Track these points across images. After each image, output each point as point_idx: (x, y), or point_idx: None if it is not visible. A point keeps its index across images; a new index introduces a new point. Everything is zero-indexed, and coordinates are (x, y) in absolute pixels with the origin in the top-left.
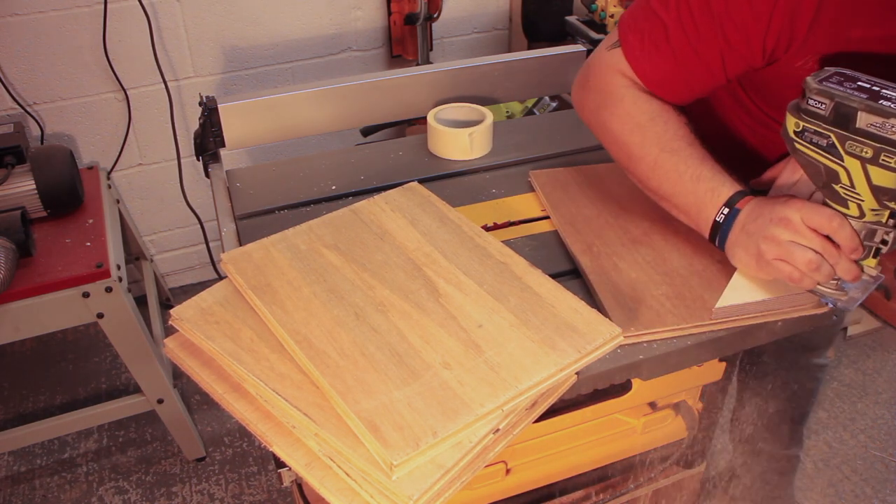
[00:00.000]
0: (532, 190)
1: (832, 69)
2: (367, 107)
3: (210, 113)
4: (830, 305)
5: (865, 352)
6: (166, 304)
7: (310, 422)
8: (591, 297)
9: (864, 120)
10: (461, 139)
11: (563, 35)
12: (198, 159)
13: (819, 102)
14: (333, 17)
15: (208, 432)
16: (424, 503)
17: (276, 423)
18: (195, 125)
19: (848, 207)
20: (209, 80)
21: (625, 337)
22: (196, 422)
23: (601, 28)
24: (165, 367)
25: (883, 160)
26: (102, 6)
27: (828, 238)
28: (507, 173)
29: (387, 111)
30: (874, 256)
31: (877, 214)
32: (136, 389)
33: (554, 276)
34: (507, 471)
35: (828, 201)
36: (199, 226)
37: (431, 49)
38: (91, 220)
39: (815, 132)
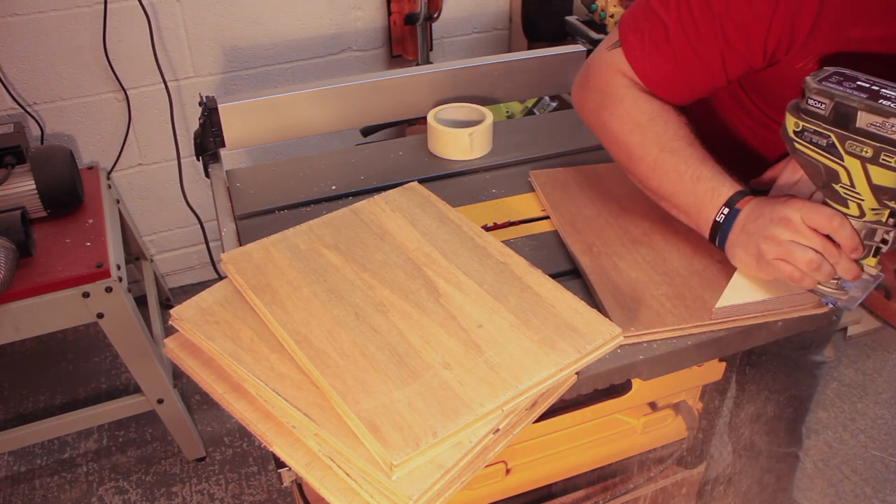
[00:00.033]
0: (532, 190)
1: (831, 69)
2: (367, 107)
3: (210, 113)
4: (830, 305)
5: (865, 352)
6: (166, 304)
7: (310, 422)
8: (591, 297)
9: (864, 119)
10: (461, 139)
11: (563, 35)
12: (198, 159)
13: (819, 102)
14: (333, 17)
15: (208, 432)
16: (424, 503)
17: (276, 423)
18: (195, 125)
19: (848, 207)
20: (209, 80)
21: (625, 337)
22: (196, 422)
23: (601, 28)
24: (165, 367)
25: (883, 159)
26: (102, 6)
27: (828, 237)
28: (507, 173)
29: (387, 111)
30: (874, 255)
31: (877, 214)
32: (136, 389)
33: (554, 276)
34: (507, 471)
35: (828, 201)
36: (199, 226)
37: (431, 49)
38: (91, 220)
39: (815, 132)
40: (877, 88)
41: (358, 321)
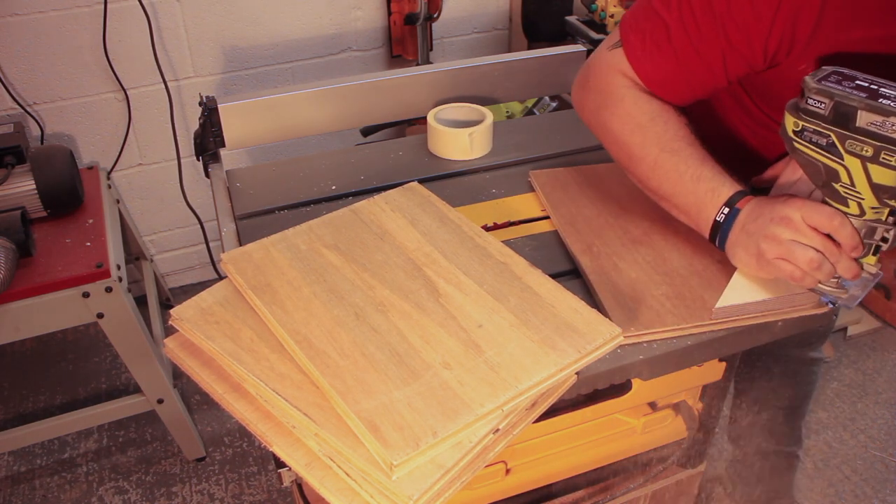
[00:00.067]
0: (532, 190)
1: (830, 68)
2: (367, 107)
3: (210, 113)
4: (830, 305)
5: (865, 352)
6: (166, 304)
7: (310, 422)
8: (591, 297)
9: (864, 119)
10: (461, 139)
11: (563, 35)
12: (198, 159)
13: (818, 102)
14: (333, 17)
15: (208, 432)
16: (424, 503)
17: (276, 423)
18: (195, 125)
19: (848, 206)
20: (209, 80)
21: (625, 337)
22: (196, 422)
23: (601, 28)
24: (165, 367)
25: (883, 158)
26: (102, 6)
27: (828, 236)
28: (507, 173)
29: (387, 111)
30: (874, 254)
31: (877, 212)
32: (136, 389)
33: (554, 276)
34: (507, 471)
35: (827, 200)
36: (199, 226)
37: (431, 49)
38: (91, 220)
39: (815, 131)
40: (876, 87)
41: (358, 321)
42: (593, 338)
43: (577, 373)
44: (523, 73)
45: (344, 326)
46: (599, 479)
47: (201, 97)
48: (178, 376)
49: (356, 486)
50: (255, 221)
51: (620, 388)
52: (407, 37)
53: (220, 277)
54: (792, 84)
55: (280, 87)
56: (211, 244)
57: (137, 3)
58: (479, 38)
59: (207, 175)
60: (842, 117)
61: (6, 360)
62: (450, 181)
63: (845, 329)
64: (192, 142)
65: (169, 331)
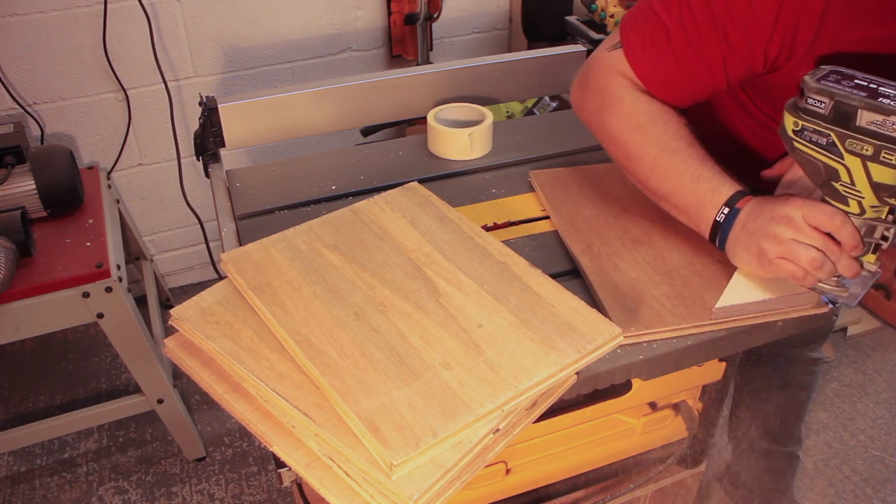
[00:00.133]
0: (532, 190)
1: (828, 67)
2: (367, 107)
3: (210, 113)
4: (830, 305)
5: (865, 352)
6: (166, 304)
7: (310, 422)
8: (591, 297)
9: (864, 118)
10: (461, 139)
11: (563, 35)
12: (198, 159)
13: (818, 101)
14: (333, 17)
15: (208, 432)
16: (424, 503)
17: (276, 423)
18: (195, 125)
19: (848, 205)
20: (209, 80)
21: (625, 337)
22: (196, 422)
23: (601, 28)
24: (165, 367)
25: (884, 157)
26: (102, 6)
27: (829, 236)
28: (507, 173)
29: (387, 111)
30: (873, 252)
31: (877, 211)
32: (136, 389)
33: (554, 276)
34: (507, 471)
35: (827, 199)
36: (199, 226)
37: (431, 49)
38: (91, 220)
39: (815, 131)
40: (875, 87)
41: (358, 321)
42: (593, 338)
43: (577, 373)
44: (523, 73)
45: (344, 326)
46: (599, 479)
47: (201, 97)
48: (178, 376)
49: (356, 486)
50: (255, 221)
51: (620, 388)
52: (407, 37)
53: (220, 277)
54: (793, 86)
55: (280, 87)
56: (211, 244)
57: (137, 3)
58: (479, 38)
59: (207, 175)
60: (842, 116)
61: (6, 360)
62: (450, 181)
63: (845, 329)
64: (192, 142)
65: (169, 331)
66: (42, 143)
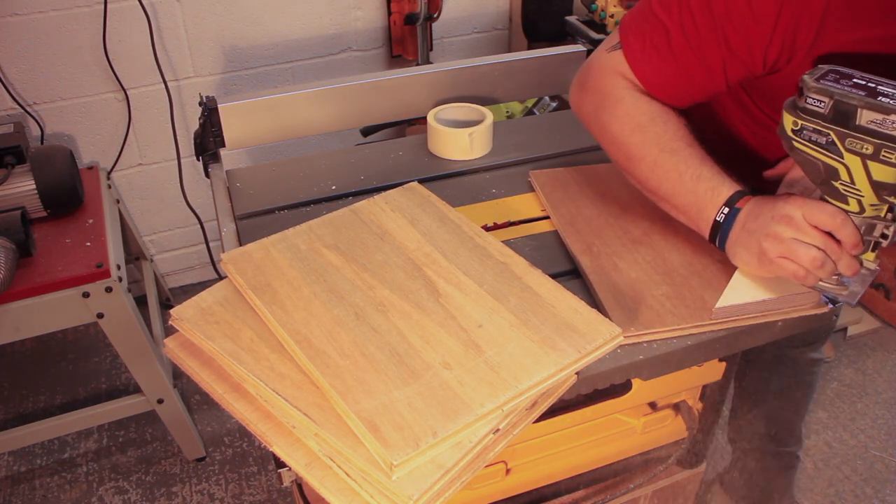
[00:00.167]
0: (532, 190)
1: (826, 66)
2: (367, 107)
3: (210, 113)
4: (831, 305)
5: (865, 352)
6: (166, 304)
7: (310, 422)
8: (591, 297)
9: (864, 117)
10: (461, 139)
11: (563, 35)
12: (198, 159)
13: (818, 101)
14: (333, 17)
15: (208, 432)
16: (424, 503)
17: (276, 423)
18: (195, 125)
19: (847, 203)
20: (209, 80)
21: (625, 337)
22: (196, 422)
23: (601, 28)
24: (165, 367)
25: (884, 156)
26: (102, 6)
27: (829, 234)
28: (507, 173)
29: (387, 111)
30: (872, 250)
31: (876, 209)
32: (136, 389)
33: (554, 276)
34: (507, 471)
35: (826, 198)
36: (199, 226)
37: (431, 49)
38: (91, 220)
39: (814, 130)
40: (873, 85)
41: (358, 321)
42: (593, 338)
43: (577, 373)
44: (523, 73)
45: (344, 326)
46: (599, 479)
47: (201, 97)
48: (178, 376)
49: (356, 486)
50: (255, 221)
51: (620, 388)
52: (407, 37)
53: (220, 277)
54: (794, 88)
55: (280, 87)
56: (211, 244)
57: (137, 3)
58: (479, 38)
59: (207, 175)
60: (842, 116)
61: (6, 360)
62: (450, 181)
63: (845, 329)
64: (192, 142)
65: (169, 331)
66: (42, 143)
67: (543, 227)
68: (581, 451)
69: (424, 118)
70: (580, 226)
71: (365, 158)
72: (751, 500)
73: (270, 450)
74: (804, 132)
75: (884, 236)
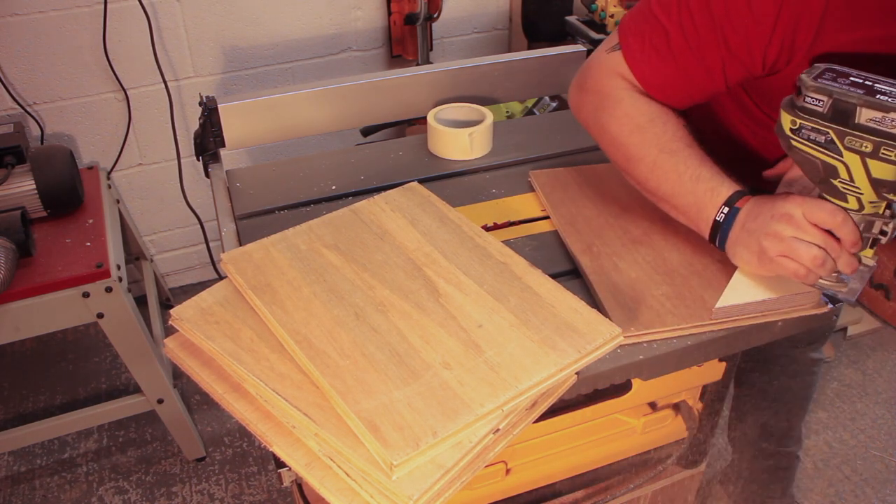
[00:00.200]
0: (532, 190)
1: (823, 65)
2: (367, 107)
3: (210, 113)
4: (830, 305)
5: (865, 352)
6: (166, 304)
7: (310, 422)
8: (591, 297)
9: (863, 115)
10: (461, 139)
11: (563, 35)
12: (198, 159)
13: (816, 100)
14: (333, 17)
15: (208, 432)
16: (424, 503)
17: (276, 423)
18: (195, 125)
19: (847, 201)
20: (209, 80)
21: (625, 337)
22: (196, 422)
23: (601, 28)
24: (165, 367)
25: (883, 154)
26: (102, 6)
27: (828, 232)
28: (507, 173)
29: (387, 111)
30: (871, 247)
31: (875, 206)
32: (136, 389)
33: (554, 276)
34: (507, 471)
35: (825, 196)
36: (199, 226)
37: (431, 49)
38: (91, 220)
39: (813, 129)
40: (870, 84)
41: (358, 321)
42: (593, 338)
43: (577, 373)
44: (523, 73)
45: (344, 326)
46: (599, 479)
47: (201, 97)
48: (178, 376)
49: (356, 486)
50: (255, 221)
51: (620, 388)
52: (407, 37)
53: (220, 277)
54: (794, 88)
55: (280, 87)
56: (211, 244)
57: (137, 3)
58: (479, 38)
59: (207, 175)
60: (841, 114)
61: (6, 360)
62: (450, 181)
63: (845, 329)
64: (192, 142)
65: (169, 331)
66: (42, 143)
67: (543, 227)
68: (581, 451)
69: (424, 118)
70: (580, 226)
71: (365, 158)
72: (751, 501)
73: (270, 450)
74: (803, 131)
75: (882, 233)
